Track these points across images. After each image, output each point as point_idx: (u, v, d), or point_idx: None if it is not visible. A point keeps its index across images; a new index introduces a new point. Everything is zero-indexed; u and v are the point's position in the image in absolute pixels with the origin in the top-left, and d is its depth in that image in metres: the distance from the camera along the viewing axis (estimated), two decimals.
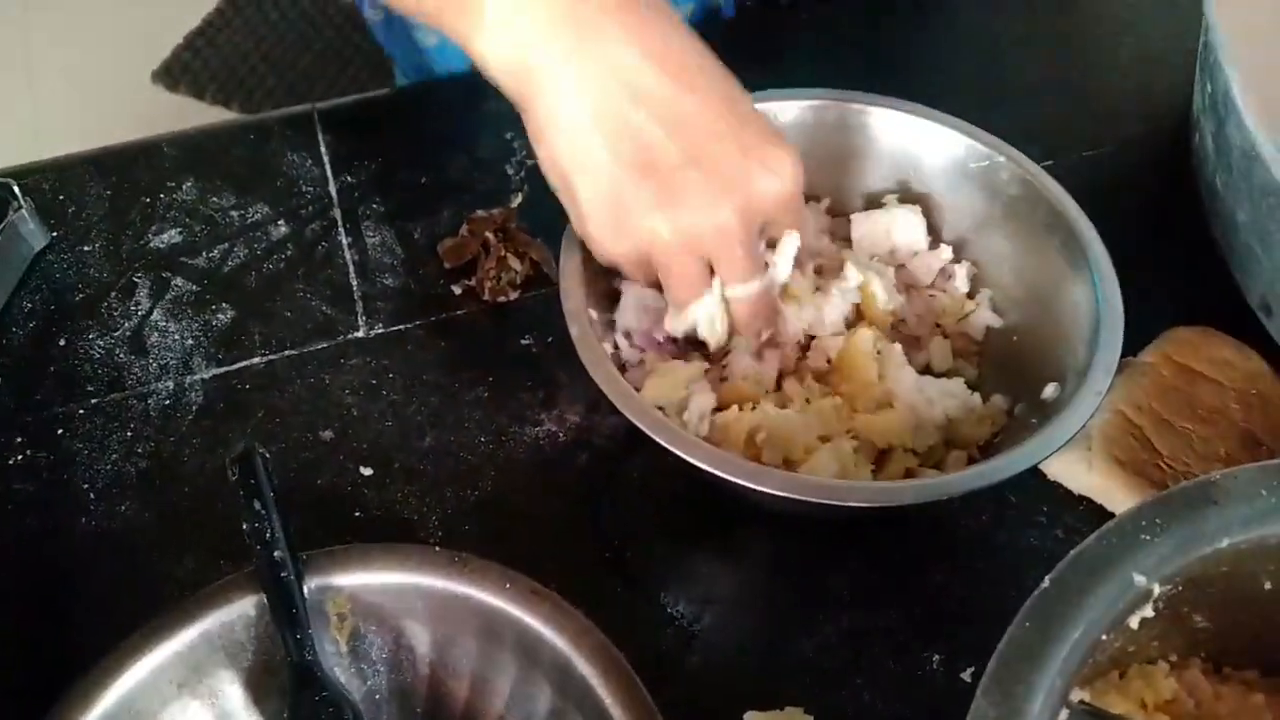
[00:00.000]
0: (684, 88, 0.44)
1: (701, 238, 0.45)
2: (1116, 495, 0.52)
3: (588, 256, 0.51)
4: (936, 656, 0.48)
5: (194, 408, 0.56)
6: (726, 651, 0.49)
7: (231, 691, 0.42)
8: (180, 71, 1.80)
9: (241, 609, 0.42)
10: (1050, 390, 0.49)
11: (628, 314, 0.51)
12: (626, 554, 0.51)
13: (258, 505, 0.41)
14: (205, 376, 0.58)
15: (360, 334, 0.59)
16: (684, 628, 0.49)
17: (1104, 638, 0.32)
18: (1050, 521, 0.52)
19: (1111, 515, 0.52)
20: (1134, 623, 0.33)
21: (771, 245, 0.50)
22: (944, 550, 0.51)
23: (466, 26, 0.45)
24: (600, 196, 0.45)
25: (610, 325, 0.53)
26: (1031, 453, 0.44)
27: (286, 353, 0.58)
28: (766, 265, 0.49)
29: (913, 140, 0.56)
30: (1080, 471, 0.52)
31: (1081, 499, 0.53)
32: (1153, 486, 0.51)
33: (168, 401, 0.57)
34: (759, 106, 0.47)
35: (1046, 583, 0.32)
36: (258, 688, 0.42)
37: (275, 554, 0.41)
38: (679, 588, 0.50)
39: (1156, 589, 0.33)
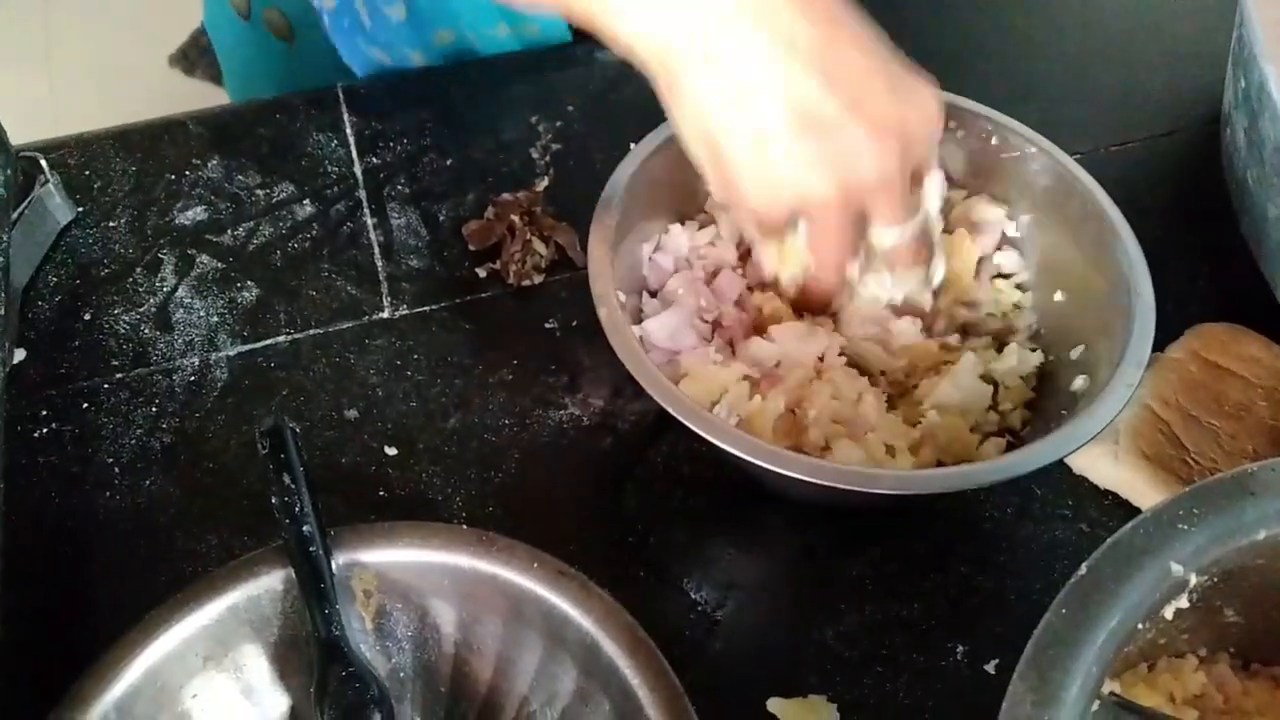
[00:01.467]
0: (837, 30, 0.43)
1: (863, 190, 0.45)
2: (1142, 490, 0.52)
3: (616, 239, 0.51)
4: (960, 648, 0.48)
5: (219, 384, 0.56)
6: (749, 638, 0.49)
7: (257, 665, 0.42)
8: (197, 56, 1.80)
9: (268, 583, 0.42)
10: (1079, 383, 0.49)
11: (660, 334, 0.51)
12: (650, 539, 0.51)
13: (287, 479, 0.41)
14: (230, 354, 0.58)
15: (385, 314, 0.59)
16: (707, 613, 0.49)
17: (1140, 627, 0.32)
18: (1075, 515, 0.52)
19: (1137, 510, 0.52)
20: (1169, 613, 0.33)
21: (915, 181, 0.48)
22: (968, 542, 0.51)
23: (608, 13, 0.44)
24: (756, 157, 0.44)
25: (638, 311, 0.53)
26: (1059, 446, 0.44)
27: (311, 332, 0.58)
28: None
29: (944, 130, 0.55)
30: (1106, 465, 0.52)
31: (1107, 493, 0.53)
32: (1179, 482, 0.51)
33: (193, 378, 0.57)
34: None
35: (1083, 570, 0.32)
36: (283, 662, 0.42)
37: (304, 529, 0.41)
38: (702, 573, 0.50)
39: (1193, 579, 0.33)
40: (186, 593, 0.41)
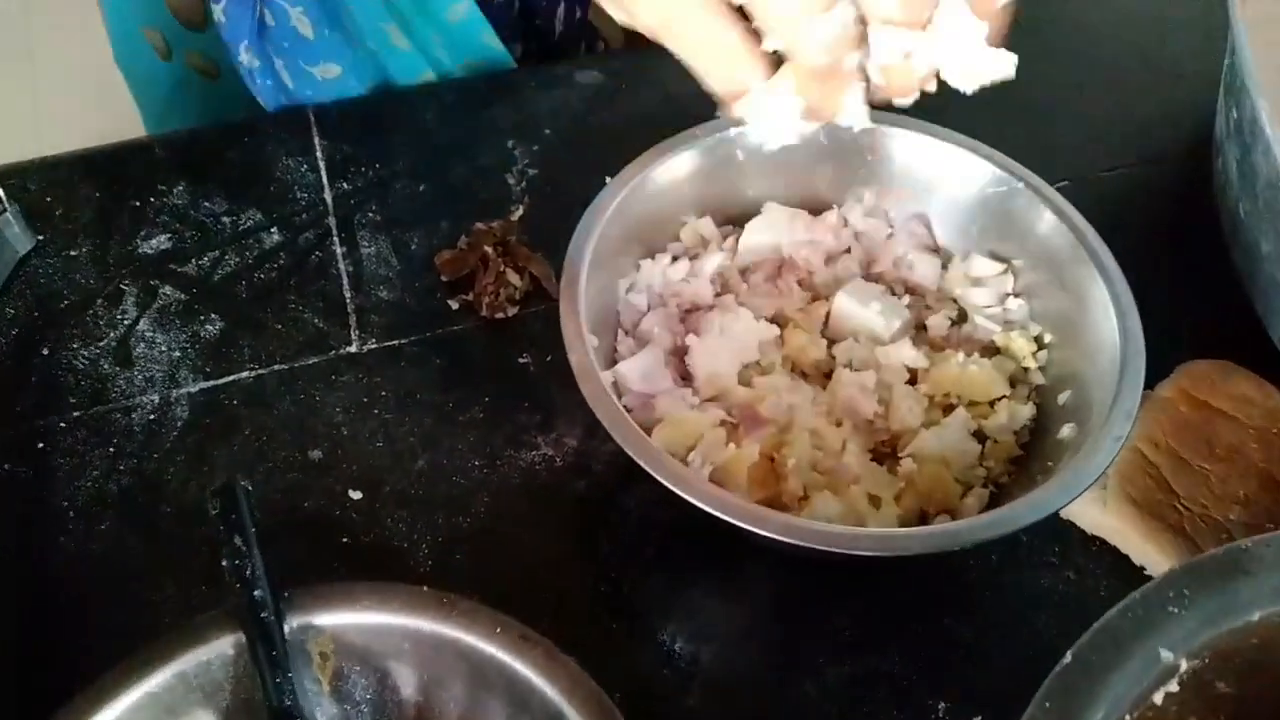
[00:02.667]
0: None
1: None
2: (1131, 537, 0.50)
3: (590, 276, 0.49)
4: (943, 704, 0.47)
5: (179, 423, 0.55)
6: (725, 693, 0.47)
7: None
8: None
9: (219, 648, 0.40)
10: (1067, 431, 0.47)
11: (634, 376, 0.49)
12: (623, 587, 0.50)
13: (238, 541, 0.40)
14: (192, 390, 0.56)
15: (353, 349, 0.57)
16: (681, 667, 0.48)
17: (1126, 717, 0.30)
18: (1062, 562, 0.50)
19: (1125, 557, 0.51)
20: (1158, 698, 0.32)
21: None
22: (951, 592, 0.50)
23: None
24: None
25: (613, 351, 0.51)
26: (1044, 502, 0.43)
27: (276, 367, 0.57)
28: None
29: (925, 162, 0.54)
30: (1094, 511, 0.50)
31: (1095, 539, 0.51)
32: (1168, 529, 0.50)
33: (153, 416, 0.55)
34: None
35: (1068, 658, 0.30)
36: None
37: (256, 593, 0.39)
38: (677, 624, 0.49)
39: (1183, 665, 0.31)
40: (133, 659, 0.39)
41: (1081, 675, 0.30)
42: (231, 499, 0.40)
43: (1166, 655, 0.31)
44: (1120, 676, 0.30)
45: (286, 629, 0.40)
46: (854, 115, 0.35)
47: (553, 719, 0.39)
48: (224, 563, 0.40)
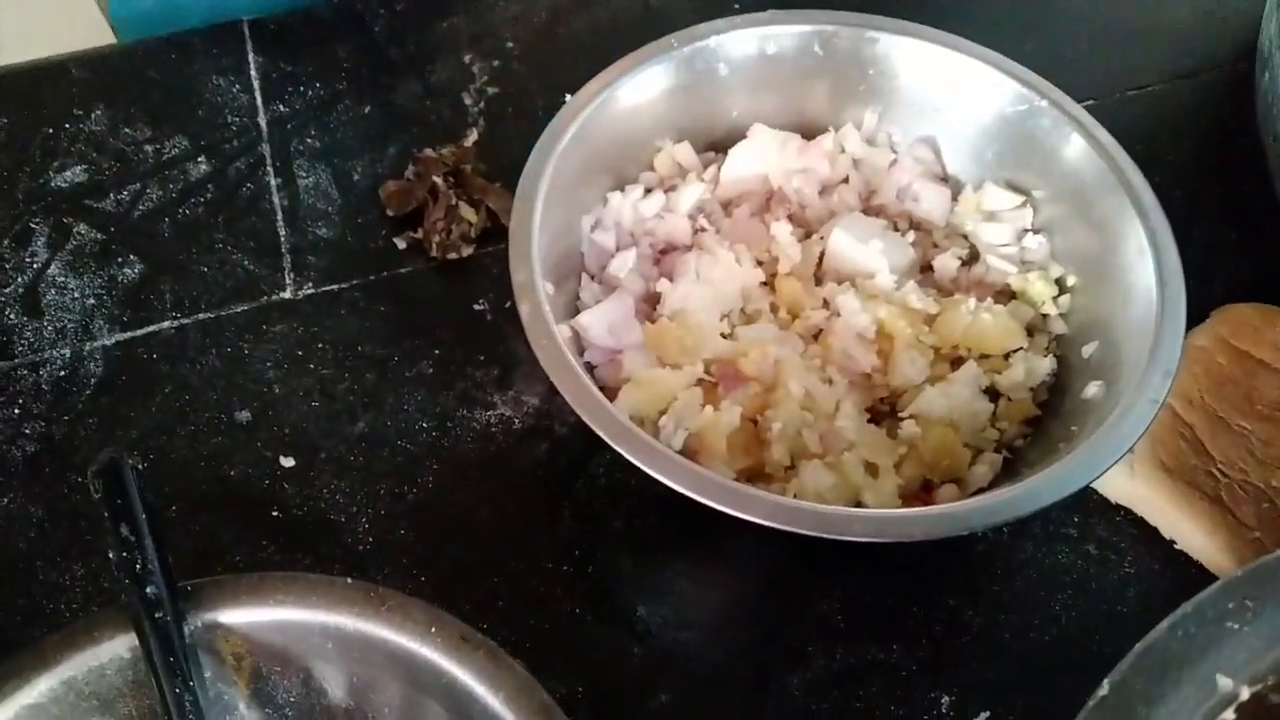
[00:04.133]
0: None
1: None
2: (1161, 507, 0.45)
3: (546, 212, 0.43)
4: (946, 698, 0.42)
5: (93, 380, 0.49)
6: (702, 685, 0.42)
7: None
8: None
9: (112, 650, 0.35)
10: (1093, 390, 0.41)
11: (599, 328, 0.43)
12: (589, 567, 0.44)
13: (126, 531, 0.34)
14: (107, 343, 0.50)
15: (287, 294, 0.51)
16: (654, 658, 0.42)
17: None
18: (1082, 535, 0.45)
19: (1153, 529, 0.45)
20: None
21: None
22: (956, 570, 0.44)
23: None
24: None
25: (576, 297, 0.45)
26: (1070, 476, 0.37)
27: (201, 316, 0.51)
28: None
29: (937, 77, 0.47)
30: (1119, 478, 0.45)
31: (1119, 508, 0.46)
32: (1204, 498, 0.44)
33: (63, 372, 0.49)
34: (754, 30, 0.40)
35: (1105, 689, 0.25)
36: None
37: (149, 590, 0.34)
38: (650, 608, 0.43)
39: (1244, 693, 0.26)
40: (8, 665, 0.34)
41: (1121, 710, 0.24)
42: (116, 479, 0.34)
43: (1224, 682, 0.25)
44: (1167, 710, 0.24)
45: (188, 629, 0.35)
46: None
47: None
48: (111, 555, 0.34)
